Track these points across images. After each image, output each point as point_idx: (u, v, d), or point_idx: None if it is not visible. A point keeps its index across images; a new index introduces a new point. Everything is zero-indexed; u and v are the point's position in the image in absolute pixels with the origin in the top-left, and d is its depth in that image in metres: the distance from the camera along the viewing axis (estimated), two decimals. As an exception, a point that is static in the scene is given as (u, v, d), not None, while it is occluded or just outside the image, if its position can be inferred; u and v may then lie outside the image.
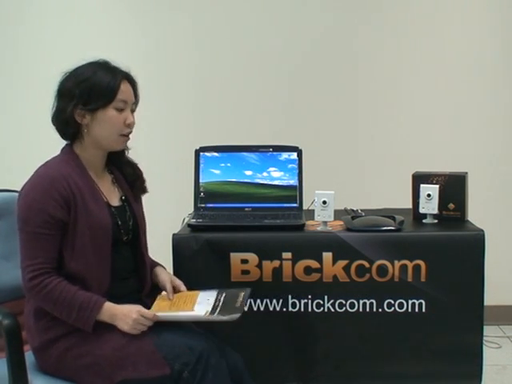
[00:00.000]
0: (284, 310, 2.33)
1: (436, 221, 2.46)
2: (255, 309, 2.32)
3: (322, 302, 2.32)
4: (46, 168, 1.97)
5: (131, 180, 2.15)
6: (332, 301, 2.32)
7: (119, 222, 2.03)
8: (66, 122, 1.97)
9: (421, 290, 2.30)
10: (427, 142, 3.43)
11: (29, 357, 1.90)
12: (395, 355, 2.35)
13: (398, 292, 2.31)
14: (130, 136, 2.05)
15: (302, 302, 2.32)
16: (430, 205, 2.43)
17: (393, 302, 2.32)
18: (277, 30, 3.42)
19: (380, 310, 2.32)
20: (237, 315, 1.92)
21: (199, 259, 2.29)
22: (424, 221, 2.47)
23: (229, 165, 2.52)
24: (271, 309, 2.33)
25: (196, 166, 2.51)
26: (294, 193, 2.50)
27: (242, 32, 3.44)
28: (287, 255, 2.30)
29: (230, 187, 2.51)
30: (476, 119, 3.45)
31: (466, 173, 2.53)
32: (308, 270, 2.31)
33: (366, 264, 2.30)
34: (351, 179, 3.38)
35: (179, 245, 2.30)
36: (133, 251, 2.10)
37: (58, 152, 2.04)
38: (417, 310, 2.32)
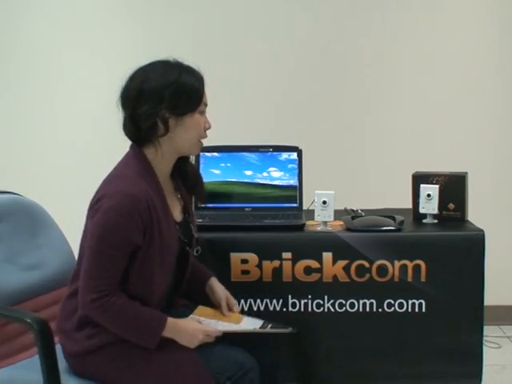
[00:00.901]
0: (284, 309, 2.33)
1: (436, 221, 2.46)
2: (255, 309, 2.32)
3: (321, 302, 2.32)
4: (126, 184, 1.81)
5: (191, 186, 2.07)
6: (332, 301, 2.32)
7: (185, 240, 1.98)
8: (151, 126, 1.83)
9: (421, 290, 2.30)
10: (427, 141, 3.43)
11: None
12: (395, 355, 2.35)
13: (397, 292, 2.31)
14: None
15: (302, 301, 2.32)
16: (429, 205, 2.42)
17: (393, 301, 2.32)
18: (277, 29, 3.42)
19: (380, 310, 2.32)
20: (290, 328, 1.99)
21: (199, 259, 2.28)
22: (424, 221, 2.47)
23: (229, 165, 2.52)
24: (271, 309, 2.33)
25: (196, 166, 2.50)
26: (293, 193, 2.50)
27: (241, 31, 3.43)
28: (287, 255, 2.30)
29: (230, 187, 2.51)
30: (476, 119, 3.45)
31: (466, 173, 2.53)
32: (308, 270, 2.31)
33: (366, 264, 2.30)
34: (351, 179, 3.38)
35: (179, 245, 2.30)
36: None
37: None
38: (417, 309, 2.32)
